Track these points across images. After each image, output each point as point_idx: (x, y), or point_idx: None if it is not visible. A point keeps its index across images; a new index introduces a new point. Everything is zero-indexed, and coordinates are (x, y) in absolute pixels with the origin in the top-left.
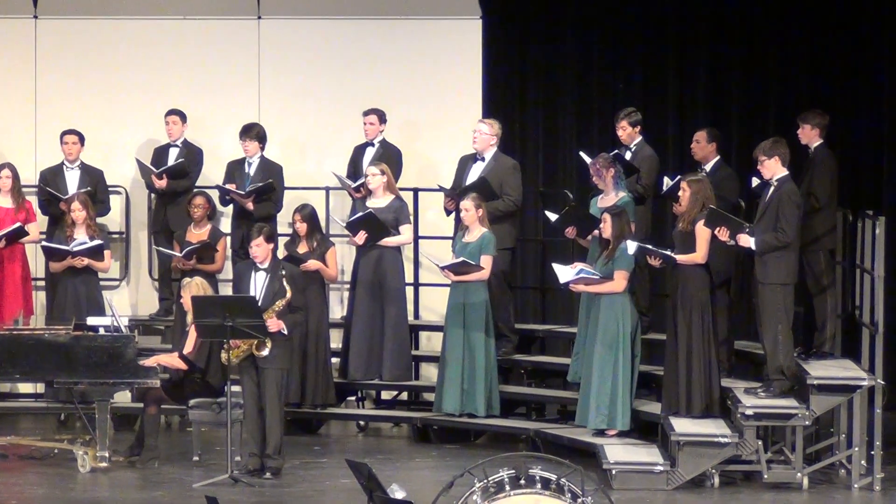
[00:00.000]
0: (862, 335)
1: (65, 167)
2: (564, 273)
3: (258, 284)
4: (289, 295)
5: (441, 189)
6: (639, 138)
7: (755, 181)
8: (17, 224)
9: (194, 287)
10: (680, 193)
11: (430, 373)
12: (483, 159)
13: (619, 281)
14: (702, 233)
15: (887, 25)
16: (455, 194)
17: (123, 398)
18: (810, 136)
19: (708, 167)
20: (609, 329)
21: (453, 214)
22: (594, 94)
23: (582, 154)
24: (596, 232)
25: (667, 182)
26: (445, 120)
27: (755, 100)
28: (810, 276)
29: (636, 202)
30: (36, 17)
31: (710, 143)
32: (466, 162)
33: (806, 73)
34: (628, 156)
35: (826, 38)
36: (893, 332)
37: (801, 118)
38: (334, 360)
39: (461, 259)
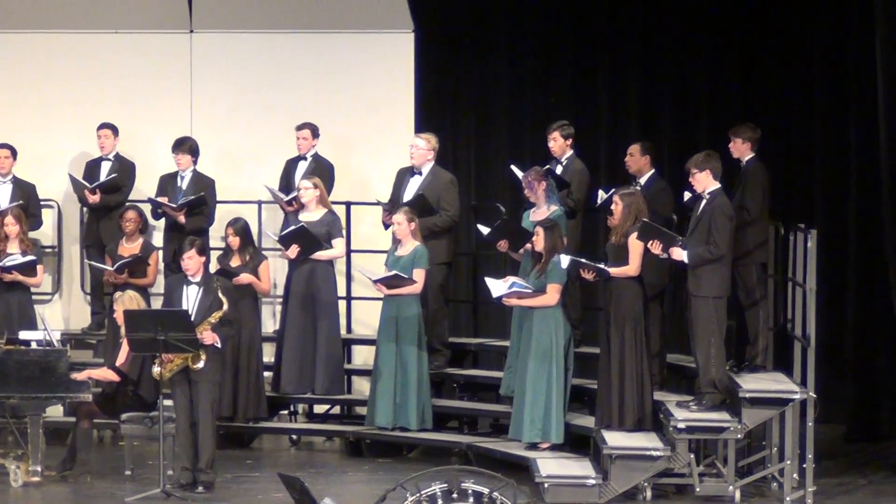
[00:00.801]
0: (794, 348)
1: None
2: (497, 287)
3: (190, 298)
4: (226, 306)
5: (379, 203)
6: (570, 152)
7: (687, 195)
8: None
9: (126, 301)
10: (613, 207)
11: (362, 386)
12: (420, 173)
13: (552, 294)
14: (635, 246)
15: (819, 39)
16: (392, 208)
17: (56, 412)
18: (742, 150)
19: (642, 180)
20: (542, 342)
21: (391, 229)
22: (526, 108)
23: (514, 168)
24: (528, 245)
25: (601, 195)
26: (378, 134)
27: (687, 113)
28: (742, 289)
29: (568, 216)
30: None
31: (644, 155)
32: (404, 175)
33: (738, 86)
34: (559, 170)
35: (758, 51)
36: (825, 346)
37: (733, 132)
38: (267, 373)
39: (393, 272)
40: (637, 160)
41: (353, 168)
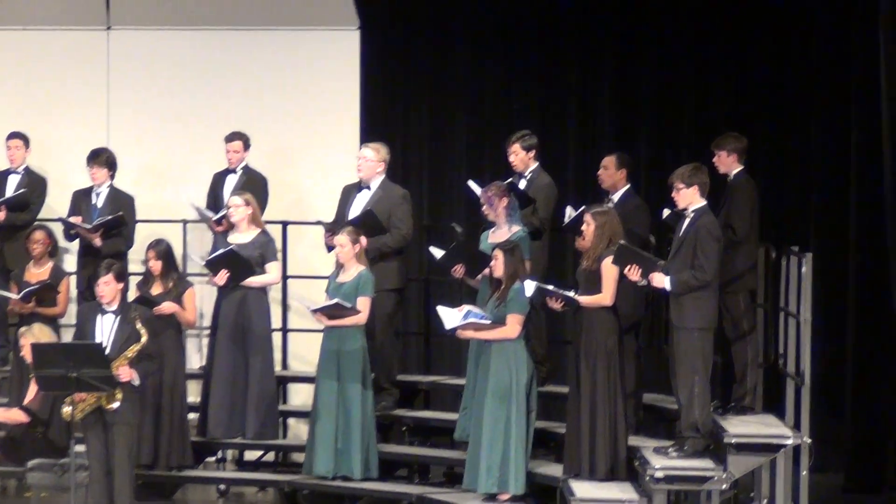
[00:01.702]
0: (786, 387)
1: None
2: (451, 317)
3: (105, 329)
4: (144, 339)
5: (320, 223)
6: (534, 165)
7: (666, 212)
8: None
9: (35, 333)
10: (584, 227)
11: (299, 430)
12: (369, 188)
13: (513, 326)
14: (609, 271)
15: (817, 39)
16: (336, 228)
17: None
18: (728, 163)
19: (616, 197)
20: (501, 380)
21: (334, 252)
22: (486, 116)
23: (471, 183)
24: (486, 270)
25: (569, 213)
26: (318, 144)
27: (667, 122)
28: (728, 320)
29: (532, 237)
30: None
31: (620, 169)
32: (350, 192)
33: (724, 91)
34: (523, 184)
35: (748, 52)
36: (821, 384)
37: (716, 144)
38: (192, 415)
39: (335, 301)
40: (612, 174)
41: (290, 183)
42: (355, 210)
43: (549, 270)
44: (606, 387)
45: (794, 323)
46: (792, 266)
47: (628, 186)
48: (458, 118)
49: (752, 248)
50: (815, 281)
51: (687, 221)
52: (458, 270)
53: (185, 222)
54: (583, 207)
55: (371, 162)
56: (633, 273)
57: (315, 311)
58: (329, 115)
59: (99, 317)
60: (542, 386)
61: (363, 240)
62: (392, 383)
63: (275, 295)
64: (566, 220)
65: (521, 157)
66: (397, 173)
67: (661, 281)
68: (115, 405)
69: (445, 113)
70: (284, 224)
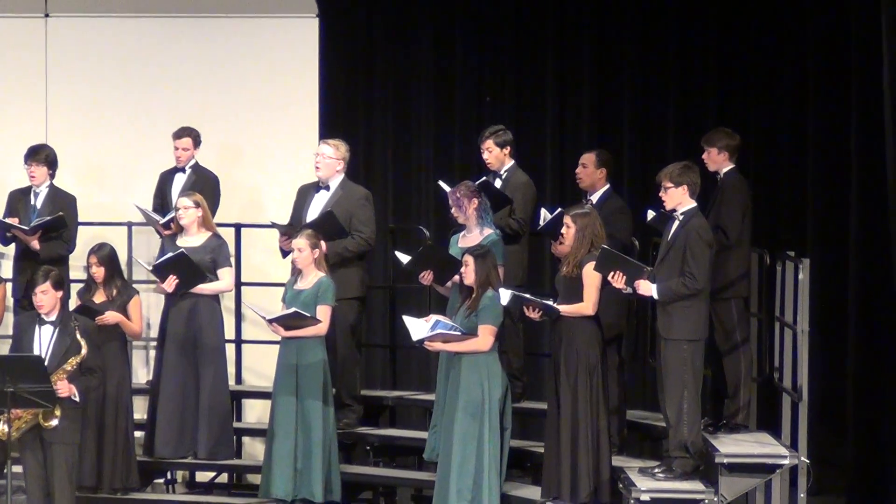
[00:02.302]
0: (782, 403)
1: None
2: (418, 328)
3: (44, 341)
4: (84, 351)
5: (274, 226)
6: (510, 162)
7: (651, 213)
8: None
9: None
10: (563, 230)
11: (255, 449)
12: (328, 188)
13: (485, 337)
14: (591, 278)
15: (814, 28)
16: (292, 232)
17: None
18: (718, 161)
19: (595, 197)
20: (473, 396)
21: (290, 257)
22: (456, 109)
23: (441, 183)
24: (456, 277)
25: (544, 215)
26: (273, 140)
27: (652, 116)
28: (720, 330)
29: (509, 240)
30: None
31: (600, 168)
32: (307, 192)
33: (714, 85)
34: (498, 184)
35: (739, 41)
36: (820, 400)
37: (706, 140)
38: (138, 433)
39: (293, 310)
40: (591, 173)
41: (244, 182)
42: (313, 212)
43: (529, 276)
44: (588, 403)
45: (791, 334)
46: (788, 272)
47: (608, 187)
48: (426, 112)
49: (745, 253)
50: (813, 288)
51: (675, 224)
52: (426, 277)
53: (130, 225)
54: (559, 209)
55: (330, 160)
56: (617, 280)
57: (271, 321)
58: (285, 109)
59: (37, 328)
60: (517, 402)
61: (323, 244)
62: (355, 399)
63: (228, 303)
64: (540, 222)
65: (495, 155)
66: (359, 172)
67: (648, 288)
68: (54, 423)
69: (411, 106)
70: (238, 227)
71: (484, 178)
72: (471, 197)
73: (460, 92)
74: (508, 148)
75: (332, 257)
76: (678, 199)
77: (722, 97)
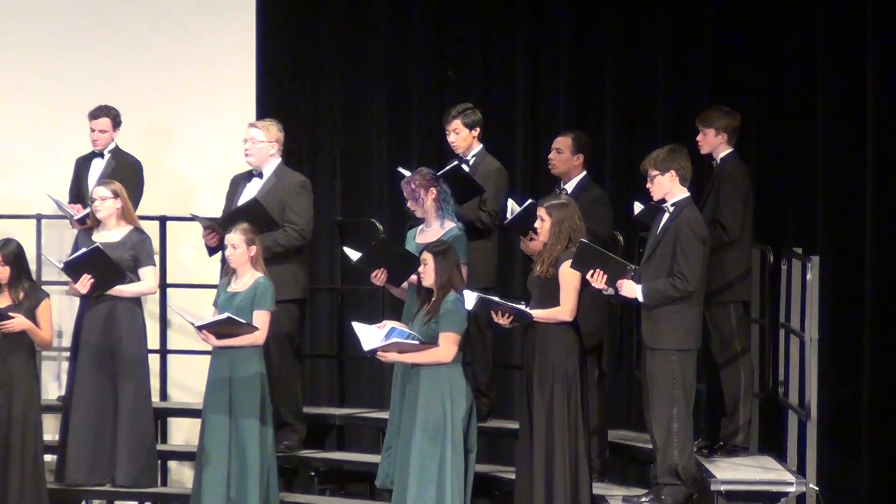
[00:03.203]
0: (787, 422)
1: None
2: (370, 336)
3: None
4: None
5: (195, 219)
6: (479, 146)
7: (638, 206)
8: None
9: None
10: (537, 224)
11: (182, 476)
12: (261, 176)
13: (447, 347)
14: (569, 279)
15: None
16: (218, 225)
17: None
18: (714, 144)
19: (570, 186)
20: (433, 414)
21: (219, 255)
22: (414, 87)
23: (401, 170)
24: (414, 278)
25: (511, 208)
26: (204, 123)
27: (638, 94)
28: (716, 339)
29: (476, 236)
30: None
31: (577, 153)
32: (239, 182)
33: (710, 55)
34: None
35: (738, 10)
36: (831, 417)
37: (701, 120)
38: (48, 457)
39: (226, 315)
40: (566, 159)
41: (170, 169)
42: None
43: (497, 277)
44: (565, 422)
45: (798, 342)
46: (794, 272)
47: (584, 174)
48: (379, 91)
49: (746, 250)
50: (822, 290)
51: (665, 217)
52: (379, 277)
53: (39, 217)
54: (529, 200)
55: (261, 144)
56: (597, 279)
57: (201, 328)
58: (218, 87)
59: None
60: (484, 421)
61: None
62: (297, 418)
63: (151, 308)
64: (508, 215)
65: (462, 137)
66: (303, 158)
67: (631, 289)
68: None
69: (363, 84)
70: (163, 220)
71: (455, 163)
72: (427, 186)
73: (417, 67)
74: (478, 129)
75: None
76: (666, 187)
77: (718, 70)
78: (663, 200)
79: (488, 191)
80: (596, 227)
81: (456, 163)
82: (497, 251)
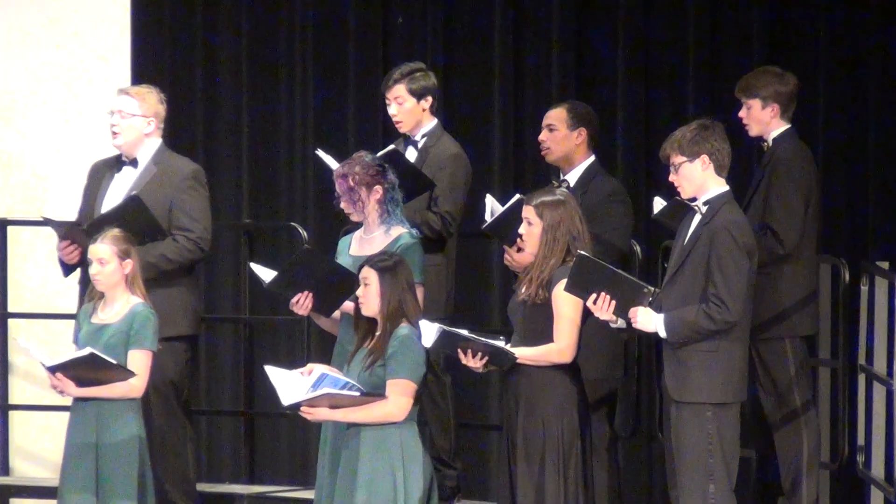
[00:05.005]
0: (870, 500)
1: None
2: (291, 385)
3: None
4: None
5: (48, 223)
6: (432, 123)
7: (659, 203)
8: None
9: None
10: (523, 229)
11: None
12: (135, 164)
13: (398, 400)
14: (566, 306)
15: None
16: (81, 232)
17: None
18: (763, 120)
19: (573, 177)
20: (378, 493)
21: (78, 272)
22: (348, 42)
23: (322, 154)
24: (350, 304)
25: (491, 207)
26: (59, 99)
27: (661, 59)
28: (768, 387)
29: (430, 246)
30: None
31: (577, 128)
32: (103, 172)
33: (760, 10)
34: (412, 155)
35: None
36: None
37: (743, 88)
38: None
39: (89, 352)
40: (562, 137)
41: (17, 158)
42: (112, 199)
43: (463, 300)
44: (561, 497)
45: (884, 392)
46: (879, 295)
47: (592, 159)
48: (299, 49)
49: (809, 265)
50: None
51: (695, 221)
52: (303, 303)
53: None
54: (516, 196)
55: (133, 118)
56: (602, 307)
57: (54, 371)
58: (79, 52)
59: None
60: (449, 502)
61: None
62: (189, 498)
63: None
64: (487, 216)
65: (407, 109)
66: (196, 143)
67: (649, 321)
68: None
69: (277, 40)
70: (4, 224)
71: (392, 146)
72: (372, 183)
73: (355, 11)
74: (429, 99)
75: (144, 270)
76: (697, 179)
77: (772, 20)
78: (693, 199)
79: (440, 185)
80: (608, 234)
81: (392, 146)
82: (454, 269)
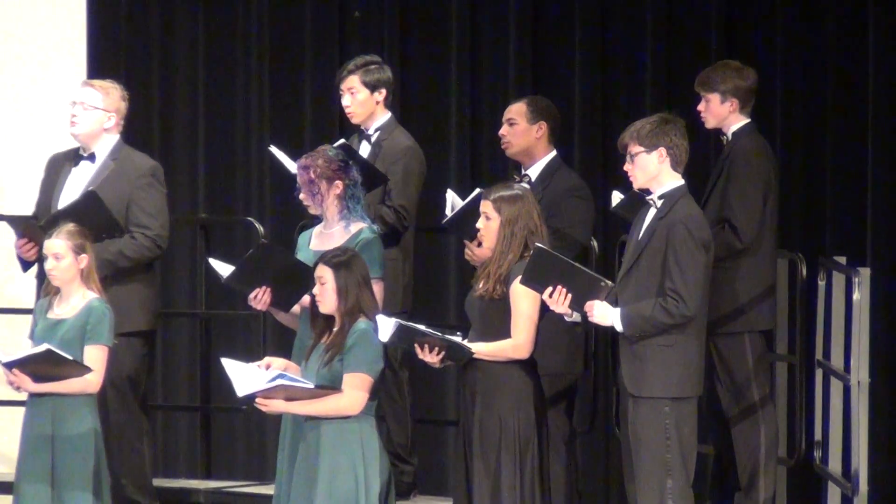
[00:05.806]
0: (827, 497)
1: None
2: (247, 377)
3: None
4: None
5: (5, 219)
6: (385, 116)
7: (617, 197)
8: None
9: None
10: (480, 223)
11: None
12: (93, 158)
13: (353, 394)
14: (523, 301)
15: None
16: (39, 228)
17: None
18: (721, 114)
19: (534, 171)
20: (337, 489)
21: (34, 269)
22: (305, 32)
23: (274, 150)
24: (307, 299)
25: (451, 201)
26: (16, 90)
27: (620, 52)
28: (726, 382)
29: (385, 240)
30: None
31: (536, 122)
32: (61, 164)
33: (713, 14)
34: (366, 150)
35: None
36: (886, 491)
37: (702, 82)
38: None
39: (45, 348)
40: (523, 131)
41: None
42: (70, 194)
43: (420, 295)
44: (517, 499)
45: (841, 387)
46: (836, 290)
47: (553, 154)
48: (256, 41)
49: (766, 260)
50: (875, 315)
51: (651, 214)
52: (261, 298)
53: None
54: (476, 191)
55: (95, 111)
56: (558, 300)
57: (10, 366)
58: (36, 45)
59: None
60: (406, 498)
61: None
62: (145, 493)
63: None
64: (448, 211)
65: (360, 101)
66: (153, 137)
67: (606, 315)
68: None
69: (233, 34)
70: None
71: (342, 140)
72: (332, 177)
73: (311, 9)
74: (383, 92)
75: (101, 267)
76: (652, 171)
77: (730, 14)
78: (647, 191)
79: (394, 178)
80: (569, 229)
81: (343, 140)
82: (412, 263)
